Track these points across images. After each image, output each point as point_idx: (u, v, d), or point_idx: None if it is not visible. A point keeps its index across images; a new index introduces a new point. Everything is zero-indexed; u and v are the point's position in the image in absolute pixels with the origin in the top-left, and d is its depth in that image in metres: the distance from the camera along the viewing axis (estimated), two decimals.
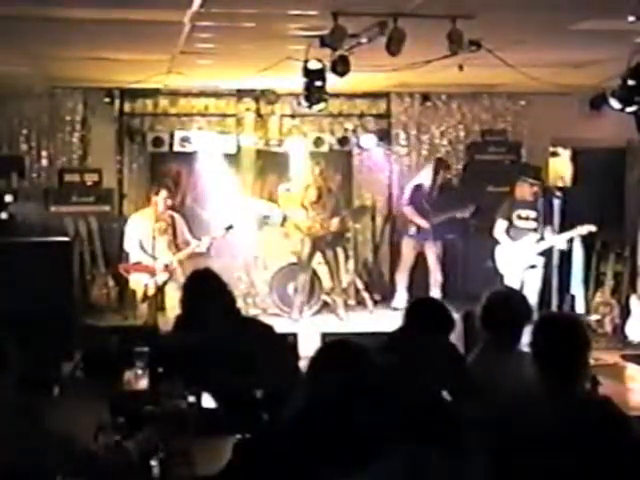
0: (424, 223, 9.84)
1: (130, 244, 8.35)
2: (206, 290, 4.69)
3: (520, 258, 8.66)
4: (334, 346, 3.19)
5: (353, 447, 2.69)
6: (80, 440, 3.32)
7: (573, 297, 9.26)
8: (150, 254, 8.16)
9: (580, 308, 9.39)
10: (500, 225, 8.82)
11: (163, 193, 8.32)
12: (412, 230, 10.01)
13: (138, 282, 8.28)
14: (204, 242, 8.37)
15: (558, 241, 8.47)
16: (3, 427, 3.18)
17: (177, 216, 8.49)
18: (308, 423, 2.79)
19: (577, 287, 9.44)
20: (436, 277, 9.94)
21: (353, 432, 2.71)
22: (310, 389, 2.96)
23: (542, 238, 8.61)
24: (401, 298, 10.09)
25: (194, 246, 8.31)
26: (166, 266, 8.16)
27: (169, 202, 8.37)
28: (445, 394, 3.48)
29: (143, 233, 8.24)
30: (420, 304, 4.71)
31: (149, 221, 8.24)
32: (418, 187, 10.12)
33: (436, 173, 10.08)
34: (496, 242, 8.89)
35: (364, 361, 3.04)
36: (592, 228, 8.43)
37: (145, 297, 8.21)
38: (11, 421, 3.22)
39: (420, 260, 10.13)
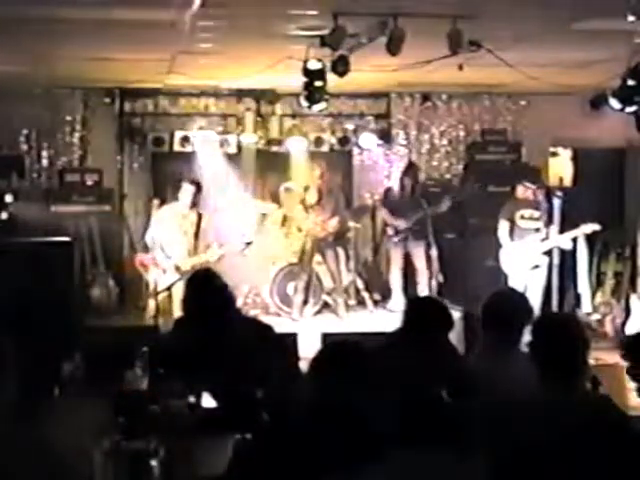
0: (401, 223, 9.85)
1: (150, 237, 8.26)
2: (207, 290, 4.69)
3: (525, 258, 8.65)
4: (335, 347, 3.19)
5: (353, 447, 2.69)
6: (78, 441, 3.32)
7: (579, 296, 9.23)
8: (166, 253, 8.11)
9: (587, 307, 9.37)
10: (503, 226, 8.82)
11: (187, 187, 8.15)
12: (392, 233, 10.01)
13: (151, 277, 8.23)
14: (217, 253, 8.21)
15: (562, 240, 8.47)
16: (3, 428, 3.18)
17: (205, 215, 8.29)
18: (308, 423, 2.79)
19: (583, 286, 9.43)
20: (424, 277, 9.87)
21: (353, 433, 2.71)
22: (311, 390, 2.96)
23: (546, 237, 8.61)
24: (397, 300, 10.09)
25: (209, 255, 8.15)
26: (177, 267, 8.09)
27: (191, 195, 8.10)
28: (444, 394, 3.48)
29: (166, 229, 8.11)
30: (418, 303, 4.70)
31: (174, 218, 8.12)
32: (388, 190, 10.20)
33: (404, 176, 10.10)
34: (497, 241, 8.88)
35: (364, 362, 3.04)
36: (596, 227, 8.44)
37: (155, 293, 8.17)
38: (11, 422, 3.22)
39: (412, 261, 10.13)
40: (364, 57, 6.45)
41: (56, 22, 6.17)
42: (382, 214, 10.18)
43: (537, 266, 8.69)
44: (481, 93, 10.96)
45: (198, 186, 8.34)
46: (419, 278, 9.94)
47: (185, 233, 8.15)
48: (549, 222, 8.58)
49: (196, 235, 8.16)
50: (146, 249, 8.44)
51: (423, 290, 9.77)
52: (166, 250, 8.11)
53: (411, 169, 10.25)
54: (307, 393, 2.98)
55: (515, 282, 8.49)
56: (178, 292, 8.00)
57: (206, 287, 4.70)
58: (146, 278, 8.39)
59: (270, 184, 10.79)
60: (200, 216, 8.22)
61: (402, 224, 9.84)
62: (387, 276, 10.69)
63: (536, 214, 8.74)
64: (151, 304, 8.20)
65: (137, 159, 10.78)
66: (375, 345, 3.93)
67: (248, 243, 8.56)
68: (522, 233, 8.76)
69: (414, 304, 4.66)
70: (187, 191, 8.16)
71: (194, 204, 8.24)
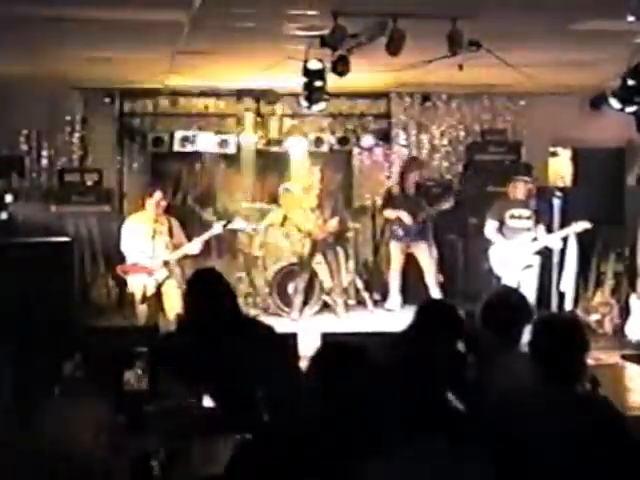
0: (407, 218, 9.77)
1: (126, 246, 8.28)
2: (208, 290, 4.68)
3: (516, 258, 8.66)
4: (335, 347, 3.19)
5: (354, 447, 2.69)
6: (78, 441, 3.32)
7: (562, 294, 9.23)
8: (148, 254, 8.11)
9: (568, 305, 9.37)
10: (490, 225, 8.82)
11: (157, 195, 8.20)
12: (399, 232, 9.96)
13: (136, 283, 8.23)
14: (195, 244, 8.28)
15: (553, 240, 8.47)
16: (3, 427, 3.19)
17: (173, 219, 8.39)
18: (309, 424, 2.79)
19: (567, 284, 9.42)
20: (432, 278, 9.87)
21: (353, 433, 2.71)
22: (311, 390, 2.96)
23: (537, 237, 8.62)
24: (394, 300, 10.10)
25: (186, 249, 8.24)
26: (165, 262, 8.10)
27: (163, 203, 8.23)
28: (449, 394, 3.48)
29: (139, 235, 8.16)
30: (433, 306, 4.64)
31: (145, 223, 8.18)
32: (389, 192, 10.14)
33: (406, 173, 10.06)
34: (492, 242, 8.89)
35: (365, 362, 3.04)
36: (587, 225, 8.43)
37: (144, 298, 8.16)
38: (11, 421, 3.23)
39: (412, 262, 10.11)
40: (364, 57, 6.45)
41: (56, 22, 6.17)
42: (386, 213, 10.07)
43: (529, 266, 8.70)
44: (481, 93, 10.96)
45: (164, 191, 8.45)
46: (427, 279, 9.89)
47: (160, 233, 8.17)
48: (543, 222, 8.59)
49: (170, 234, 8.20)
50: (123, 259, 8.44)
51: (434, 291, 9.74)
52: (147, 252, 8.11)
53: (414, 164, 10.23)
54: (307, 393, 2.98)
55: (507, 282, 8.48)
56: (169, 291, 8.05)
57: (208, 287, 4.70)
58: (130, 286, 8.37)
59: (270, 184, 10.80)
60: (169, 220, 8.31)
61: (407, 219, 9.79)
62: (387, 276, 10.70)
63: (526, 213, 8.74)
64: (141, 309, 8.21)
65: (137, 159, 10.79)
66: (379, 344, 3.93)
67: (225, 225, 8.56)
68: (512, 233, 8.76)
69: (428, 306, 4.59)
70: (155, 198, 8.17)
71: (164, 208, 8.29)
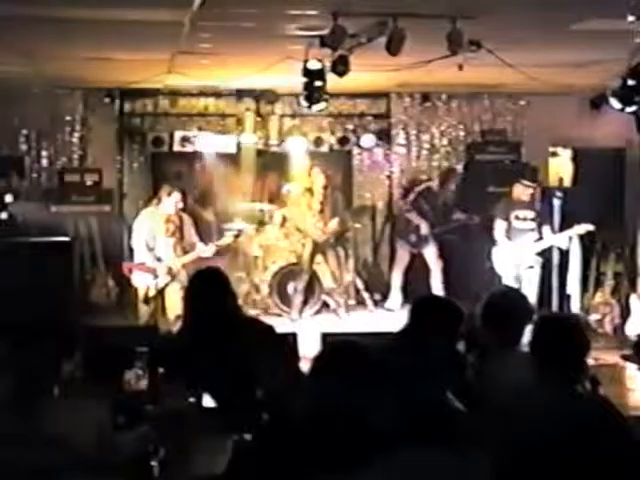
0: (424, 227, 9.86)
1: (137, 242, 8.21)
2: (209, 290, 4.68)
3: (518, 259, 8.66)
4: (336, 347, 3.19)
5: (353, 448, 2.69)
6: (78, 441, 3.32)
7: (569, 296, 9.23)
8: (155, 255, 8.07)
9: (576, 307, 9.38)
10: (500, 225, 8.82)
11: (177, 196, 8.10)
12: (412, 238, 10.00)
13: (140, 282, 8.20)
14: (210, 248, 8.23)
15: (561, 239, 8.46)
16: (3, 427, 3.18)
17: (186, 217, 8.30)
18: (309, 424, 2.78)
19: (573, 286, 9.42)
20: (438, 278, 9.93)
21: (353, 433, 2.71)
22: (311, 390, 2.96)
23: (540, 238, 8.61)
24: (395, 299, 10.11)
25: (199, 251, 8.17)
26: (169, 269, 8.05)
27: (181, 205, 8.17)
28: (450, 395, 3.48)
29: (151, 232, 8.11)
30: (426, 301, 4.63)
31: (158, 220, 8.12)
32: (422, 194, 10.14)
33: (444, 183, 10.13)
34: (496, 242, 8.89)
35: (365, 362, 3.04)
36: (590, 227, 8.43)
37: (147, 298, 8.14)
38: (11, 421, 3.23)
39: (417, 261, 10.12)
40: (364, 57, 6.45)
41: (56, 22, 6.17)
42: (409, 215, 10.11)
43: (531, 267, 8.70)
44: (481, 93, 10.97)
45: (184, 193, 8.36)
46: (433, 280, 9.92)
47: (172, 234, 8.12)
48: (545, 222, 8.59)
49: (181, 236, 8.15)
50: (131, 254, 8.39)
51: (439, 290, 9.77)
52: (156, 252, 8.07)
53: (450, 176, 10.31)
54: (307, 393, 2.98)
55: (508, 282, 8.49)
56: (171, 294, 8.01)
57: (209, 287, 4.70)
58: (134, 284, 8.34)
59: (270, 184, 10.80)
60: (181, 218, 8.23)
61: (425, 230, 9.85)
62: (387, 276, 10.70)
63: (530, 215, 8.74)
64: (143, 309, 8.18)
65: (137, 159, 10.80)
66: (380, 345, 3.92)
67: (237, 235, 8.55)
68: (516, 233, 8.76)
69: (421, 302, 4.58)
70: (174, 198, 8.13)
71: (180, 209, 8.24)
